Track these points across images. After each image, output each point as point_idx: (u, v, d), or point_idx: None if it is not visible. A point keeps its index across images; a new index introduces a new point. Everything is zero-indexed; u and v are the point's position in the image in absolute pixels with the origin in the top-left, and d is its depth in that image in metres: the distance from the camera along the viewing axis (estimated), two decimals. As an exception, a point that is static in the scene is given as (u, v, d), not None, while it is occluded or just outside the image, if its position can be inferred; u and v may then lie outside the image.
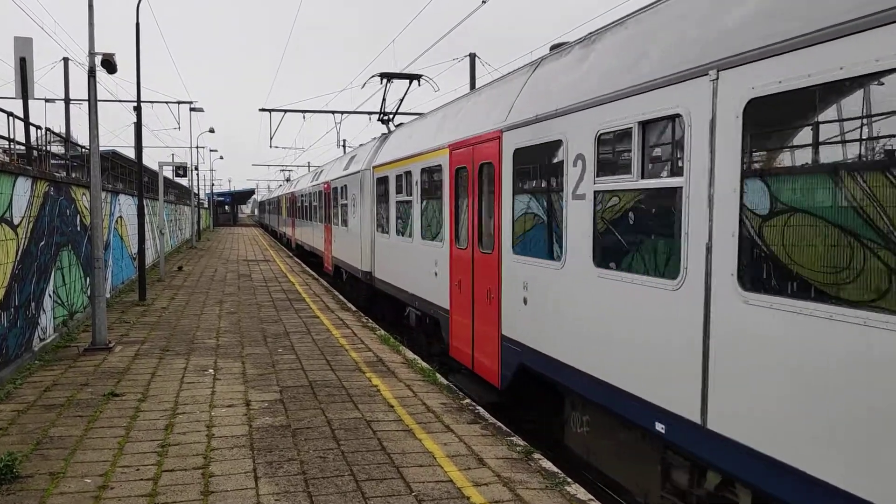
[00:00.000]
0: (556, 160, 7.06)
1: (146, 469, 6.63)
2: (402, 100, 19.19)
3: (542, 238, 7.42)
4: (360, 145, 21.16)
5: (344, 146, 48.48)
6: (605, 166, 6.18)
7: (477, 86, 24.00)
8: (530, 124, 7.63)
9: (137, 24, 18.67)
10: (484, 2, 17.87)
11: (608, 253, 6.14)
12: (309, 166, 72.44)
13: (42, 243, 12.30)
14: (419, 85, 19.06)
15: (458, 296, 10.14)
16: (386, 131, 18.12)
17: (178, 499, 5.93)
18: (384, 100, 19.16)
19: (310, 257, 32.84)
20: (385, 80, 18.59)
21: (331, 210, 22.96)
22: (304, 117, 34.15)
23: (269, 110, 32.42)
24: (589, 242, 6.37)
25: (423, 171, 11.90)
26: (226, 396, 9.24)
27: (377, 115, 19.38)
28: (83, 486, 6.20)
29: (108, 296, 17.67)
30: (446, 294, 10.64)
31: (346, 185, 19.39)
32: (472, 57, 26.36)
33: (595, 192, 6.26)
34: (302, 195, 33.99)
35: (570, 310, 6.80)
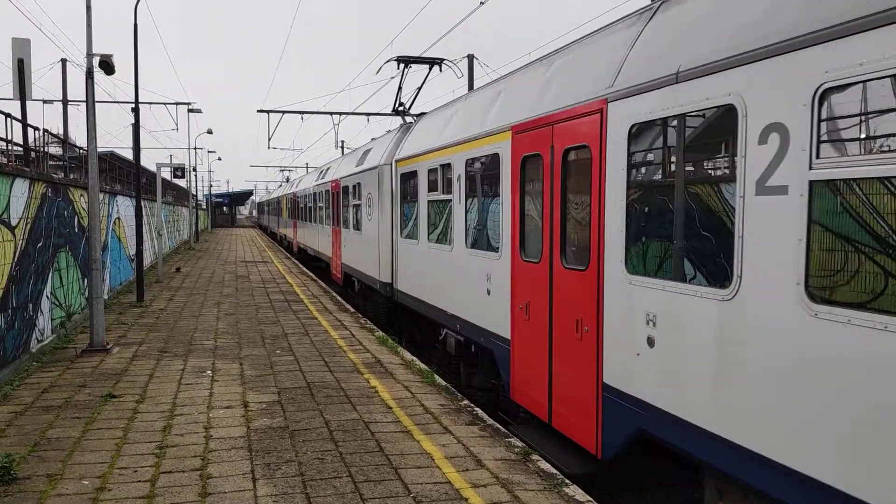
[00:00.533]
0: (719, 136, 4.97)
1: (144, 471, 6.62)
2: (419, 88, 17.11)
3: (688, 251, 5.20)
4: (373, 140, 18.90)
5: (342, 147, 48.51)
6: (840, 139, 4.00)
7: (475, 86, 23.87)
8: (663, 87, 5.39)
9: (135, 26, 18.66)
10: (482, 3, 17.89)
11: (841, 280, 3.96)
12: (307, 167, 72.52)
13: (40, 245, 12.28)
14: (440, 70, 17.11)
15: (526, 324, 7.77)
16: (402, 123, 16.02)
17: (176, 500, 5.92)
18: (400, 88, 16.91)
19: (313, 262, 30.47)
20: (402, 66, 16.54)
21: (340, 211, 20.38)
22: (302, 118, 34.12)
23: (268, 111, 32.39)
24: (795, 261, 4.15)
25: (469, 162, 9.58)
26: (224, 398, 9.23)
27: (392, 106, 17.27)
28: (81, 488, 6.20)
29: (105, 297, 17.65)
30: (506, 319, 8.29)
31: (359, 184, 17.01)
32: (470, 58, 26.37)
33: (813, 181, 4.04)
34: (305, 195, 31.16)
35: (747, 361, 4.56)
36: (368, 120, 33.80)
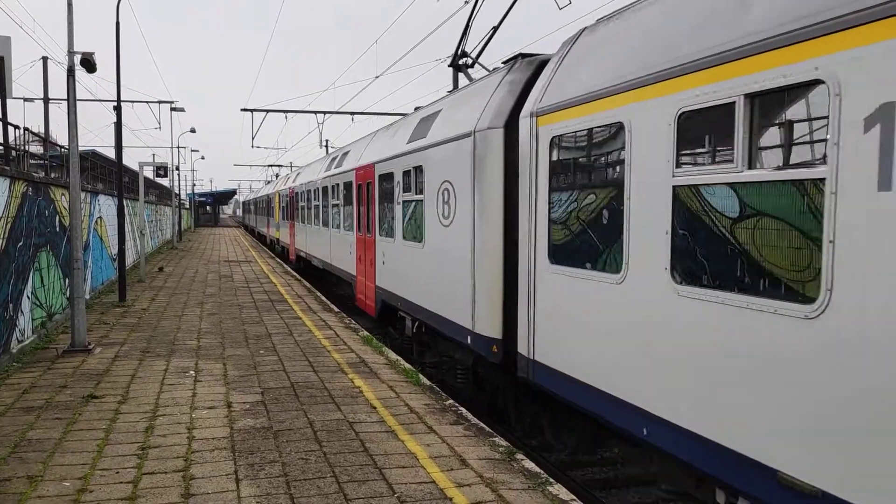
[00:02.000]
0: None
1: (126, 472, 6.57)
2: (496, 27, 11.20)
3: None
4: (416, 108, 13.56)
5: (326, 146, 48.37)
6: None
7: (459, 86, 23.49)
8: None
9: (118, 23, 18.52)
10: (466, 2, 17.90)
11: None
12: (291, 166, 72.24)
13: (20, 244, 12.16)
14: None
15: None
16: (463, 81, 10.51)
17: (158, 501, 5.89)
18: (468, 26, 11.39)
19: (325, 275, 22.90)
20: None
21: (374, 212, 13.99)
22: (286, 117, 34.08)
23: (251, 110, 32.31)
24: None
25: None
26: (207, 398, 9.18)
27: (452, 57, 12.10)
28: (62, 490, 6.14)
29: (87, 297, 17.50)
30: None
31: (418, 168, 10.94)
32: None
33: None
34: (310, 191, 24.23)
35: None
36: (353, 119, 33.79)
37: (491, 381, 9.41)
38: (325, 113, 33.91)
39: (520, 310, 7.64)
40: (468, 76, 11.72)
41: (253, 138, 33.99)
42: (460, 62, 11.96)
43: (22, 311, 12.21)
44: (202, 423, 8.12)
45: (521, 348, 7.60)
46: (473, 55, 11.89)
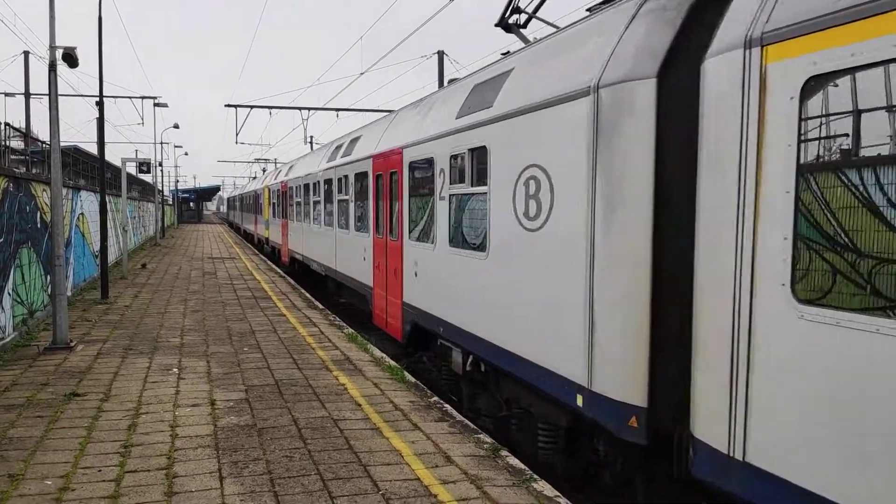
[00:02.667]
0: None
1: (108, 470, 6.53)
2: None
3: None
4: (449, 81, 11.27)
5: (311, 143, 48.20)
6: None
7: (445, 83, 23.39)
8: None
9: (100, 17, 18.35)
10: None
11: None
12: (276, 163, 71.92)
13: (1, 241, 12.03)
14: None
15: None
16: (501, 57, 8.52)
17: (141, 500, 5.86)
18: None
19: (327, 283, 19.49)
20: None
21: (399, 208, 11.28)
22: (270, 113, 33.94)
23: (235, 106, 32.15)
24: None
25: None
26: (190, 396, 9.14)
27: (500, 16, 9.72)
28: (43, 488, 6.10)
29: (69, 294, 17.34)
30: None
31: (480, 150, 8.12)
32: (441, 54, 26.39)
33: None
34: (307, 184, 20.97)
35: None
36: (338, 115, 33.72)
37: (594, 452, 6.57)
38: (309, 109, 33.81)
39: (699, 370, 4.79)
40: (522, 37, 9.53)
41: (237, 134, 33.89)
42: (510, 20, 9.50)
43: (2, 308, 12.09)
44: (185, 420, 8.08)
45: (703, 433, 4.69)
46: (529, 10, 9.46)
